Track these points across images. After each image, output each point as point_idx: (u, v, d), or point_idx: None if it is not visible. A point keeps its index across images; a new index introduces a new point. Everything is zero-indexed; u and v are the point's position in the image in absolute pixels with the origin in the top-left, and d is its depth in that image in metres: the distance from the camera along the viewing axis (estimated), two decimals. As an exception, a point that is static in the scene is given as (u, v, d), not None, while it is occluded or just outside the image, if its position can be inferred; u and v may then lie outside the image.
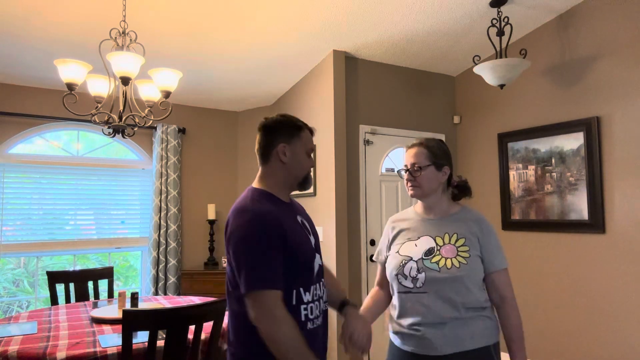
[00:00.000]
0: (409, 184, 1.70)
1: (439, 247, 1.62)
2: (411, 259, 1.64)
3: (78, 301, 3.33)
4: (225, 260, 1.49)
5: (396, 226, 1.79)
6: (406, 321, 1.63)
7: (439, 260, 1.59)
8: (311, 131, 1.55)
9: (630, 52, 3.18)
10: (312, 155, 1.57)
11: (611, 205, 3.25)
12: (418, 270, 1.61)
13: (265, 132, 1.51)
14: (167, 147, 4.48)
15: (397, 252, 1.70)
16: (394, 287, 1.69)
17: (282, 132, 1.49)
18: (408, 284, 1.63)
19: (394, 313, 1.70)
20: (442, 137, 4.37)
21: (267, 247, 1.31)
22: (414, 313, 1.60)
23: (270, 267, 1.30)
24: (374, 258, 1.93)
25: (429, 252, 1.63)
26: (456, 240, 1.62)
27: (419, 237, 1.68)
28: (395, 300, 1.70)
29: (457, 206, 1.72)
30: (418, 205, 1.78)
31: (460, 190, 1.76)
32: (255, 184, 1.52)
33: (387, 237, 1.81)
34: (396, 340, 1.69)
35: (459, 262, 1.57)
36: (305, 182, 1.54)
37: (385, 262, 1.79)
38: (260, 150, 1.52)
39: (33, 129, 4.03)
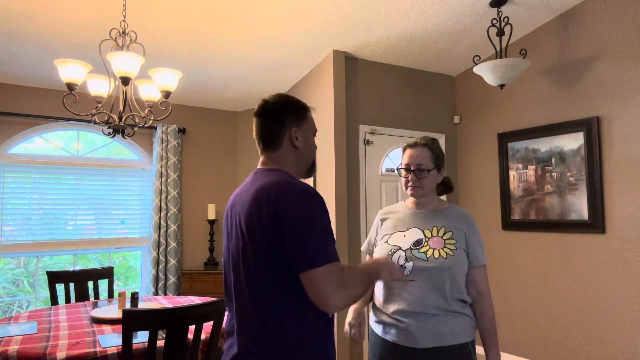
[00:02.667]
0: (411, 184, 1.72)
1: (427, 239, 1.68)
2: (400, 248, 1.70)
3: (78, 301, 3.33)
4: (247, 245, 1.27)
5: (385, 217, 1.85)
6: (391, 307, 1.67)
7: (427, 250, 1.65)
8: (311, 110, 1.47)
9: (630, 52, 3.18)
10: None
11: (611, 205, 3.25)
12: (406, 259, 1.66)
13: (269, 116, 1.37)
14: (167, 147, 4.48)
15: (386, 242, 1.75)
16: None
17: (290, 115, 1.37)
18: None
19: (378, 301, 1.75)
20: (442, 137, 4.37)
21: (328, 222, 1.25)
22: (400, 300, 1.65)
23: (333, 239, 1.25)
24: (362, 249, 1.96)
25: (418, 243, 1.68)
26: (444, 233, 1.69)
27: (407, 229, 1.74)
28: (380, 288, 1.74)
29: (445, 203, 1.79)
30: (409, 200, 1.83)
31: (444, 186, 1.84)
32: (267, 167, 1.38)
33: (375, 229, 1.86)
34: (377, 329, 1.73)
35: (446, 253, 1.63)
36: (313, 166, 1.47)
37: (373, 252, 1.85)
38: (266, 136, 1.38)
39: (33, 129, 4.03)
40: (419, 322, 1.60)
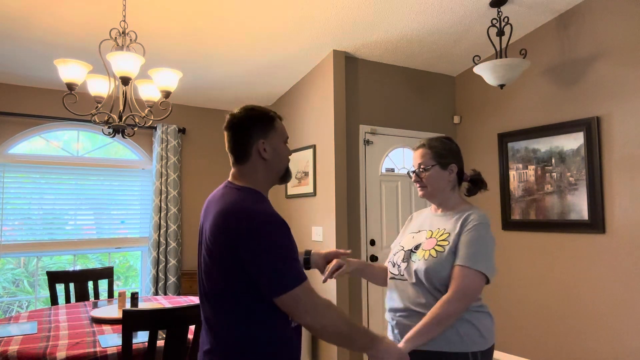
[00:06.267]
0: (417, 185, 1.76)
1: (426, 241, 1.68)
2: (403, 248, 1.73)
3: (78, 301, 3.33)
4: (210, 265, 1.34)
5: (412, 218, 1.90)
6: (388, 304, 1.72)
7: (420, 252, 1.65)
8: (281, 118, 1.49)
9: (630, 52, 3.18)
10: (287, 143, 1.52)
11: (611, 205, 3.25)
12: (403, 259, 1.69)
13: (237, 130, 1.41)
14: (167, 147, 4.48)
15: (400, 242, 1.80)
16: (388, 273, 1.79)
17: (257, 128, 1.40)
18: (395, 271, 1.72)
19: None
20: (442, 137, 4.37)
21: (291, 244, 1.29)
22: (395, 298, 1.69)
23: (298, 261, 1.29)
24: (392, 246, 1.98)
25: (418, 247, 1.69)
26: (441, 235, 1.66)
27: (419, 231, 1.76)
28: (388, 286, 1.80)
29: (463, 205, 1.73)
30: (433, 204, 1.84)
31: (474, 183, 1.79)
32: (236, 182, 1.42)
33: (404, 229, 1.90)
34: (387, 331, 1.78)
35: (430, 254, 1.61)
36: (286, 174, 1.49)
37: None
38: (235, 149, 1.42)
39: (33, 129, 4.03)
40: (408, 321, 1.61)
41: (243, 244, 1.24)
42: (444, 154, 1.72)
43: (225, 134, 1.44)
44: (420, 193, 1.75)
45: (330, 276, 1.65)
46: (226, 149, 1.46)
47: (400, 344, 1.52)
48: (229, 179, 1.45)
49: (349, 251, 1.75)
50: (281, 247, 1.26)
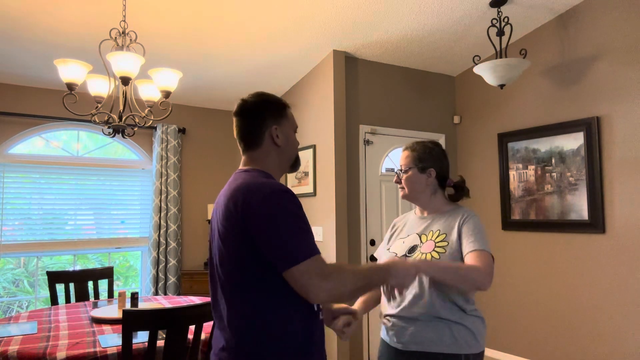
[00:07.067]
0: (398, 186, 1.79)
1: (421, 244, 1.67)
2: (396, 254, 1.72)
3: (78, 301, 3.33)
4: (223, 247, 1.28)
5: (394, 225, 1.89)
6: (385, 311, 1.71)
7: (417, 256, 1.64)
8: (290, 107, 1.46)
9: (630, 52, 3.18)
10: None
11: (611, 205, 3.25)
12: None
13: (248, 115, 1.37)
14: (167, 147, 4.48)
15: (388, 249, 1.79)
16: None
17: (270, 113, 1.37)
18: None
19: (382, 300, 1.78)
20: (442, 137, 4.37)
21: (300, 213, 1.24)
22: (392, 304, 1.68)
23: (309, 233, 1.24)
24: (375, 255, 1.98)
25: (412, 250, 1.68)
26: (437, 236, 1.66)
27: (408, 235, 1.76)
28: (382, 293, 1.79)
29: (450, 205, 1.75)
30: (417, 207, 1.84)
31: (456, 190, 1.79)
32: (246, 167, 1.39)
33: (387, 237, 1.89)
34: (382, 331, 1.77)
35: (432, 256, 1.60)
36: (296, 162, 1.46)
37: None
38: (246, 135, 1.37)
39: (33, 129, 4.03)
40: (405, 323, 1.61)
41: (252, 218, 1.20)
42: (423, 158, 1.73)
43: (235, 120, 1.40)
44: (400, 193, 1.79)
45: (342, 334, 1.58)
46: (235, 136, 1.42)
47: (415, 261, 1.47)
48: (240, 166, 1.42)
49: (354, 311, 1.66)
50: (291, 219, 1.21)
